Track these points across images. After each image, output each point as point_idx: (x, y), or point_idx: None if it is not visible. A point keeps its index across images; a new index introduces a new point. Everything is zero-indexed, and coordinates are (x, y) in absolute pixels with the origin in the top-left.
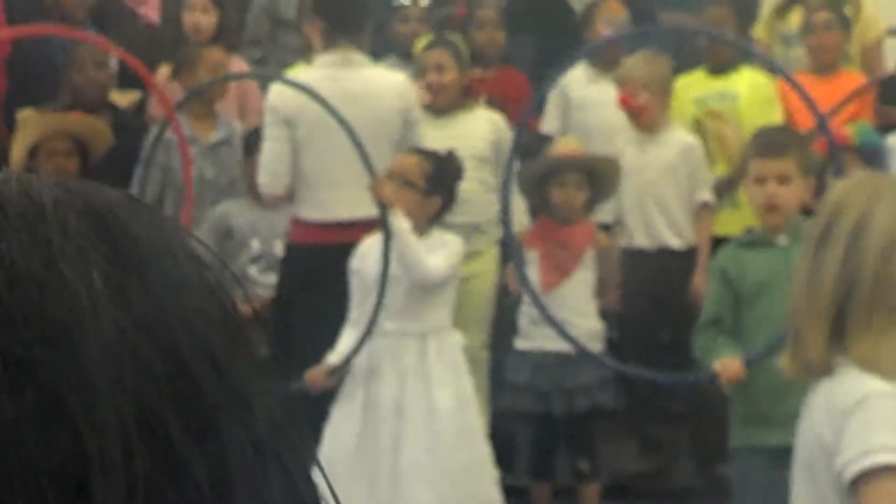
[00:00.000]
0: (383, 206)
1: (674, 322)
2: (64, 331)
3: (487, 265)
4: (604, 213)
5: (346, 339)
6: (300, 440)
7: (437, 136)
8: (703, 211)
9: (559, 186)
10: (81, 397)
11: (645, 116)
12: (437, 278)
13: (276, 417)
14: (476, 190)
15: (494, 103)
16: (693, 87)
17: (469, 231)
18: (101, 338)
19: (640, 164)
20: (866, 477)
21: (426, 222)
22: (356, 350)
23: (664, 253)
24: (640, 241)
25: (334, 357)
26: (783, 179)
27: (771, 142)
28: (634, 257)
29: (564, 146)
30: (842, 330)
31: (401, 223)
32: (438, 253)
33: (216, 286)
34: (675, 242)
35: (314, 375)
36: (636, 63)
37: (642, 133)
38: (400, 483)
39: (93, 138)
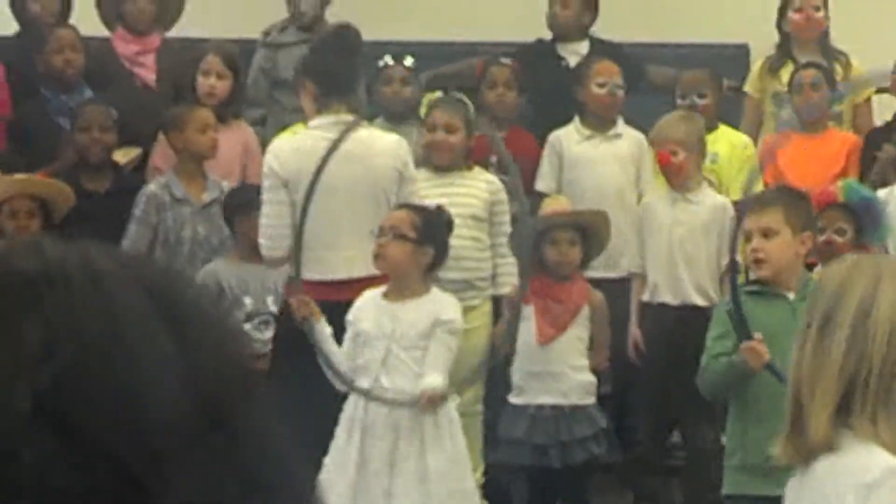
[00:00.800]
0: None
1: (687, 377)
2: (137, 410)
3: (481, 320)
4: (621, 268)
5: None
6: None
7: (436, 193)
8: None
9: (552, 244)
10: (154, 476)
11: (681, 175)
12: (443, 391)
13: (299, 467)
14: (471, 247)
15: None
16: None
17: (463, 287)
18: (172, 419)
19: (672, 221)
20: None
21: (421, 275)
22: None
23: (687, 308)
24: (664, 296)
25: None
26: (766, 233)
27: (755, 198)
28: (656, 311)
29: (554, 204)
30: (847, 412)
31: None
32: (438, 348)
33: (247, 346)
34: (699, 300)
35: (301, 298)
36: (673, 121)
37: (675, 192)
38: None
39: (55, 198)
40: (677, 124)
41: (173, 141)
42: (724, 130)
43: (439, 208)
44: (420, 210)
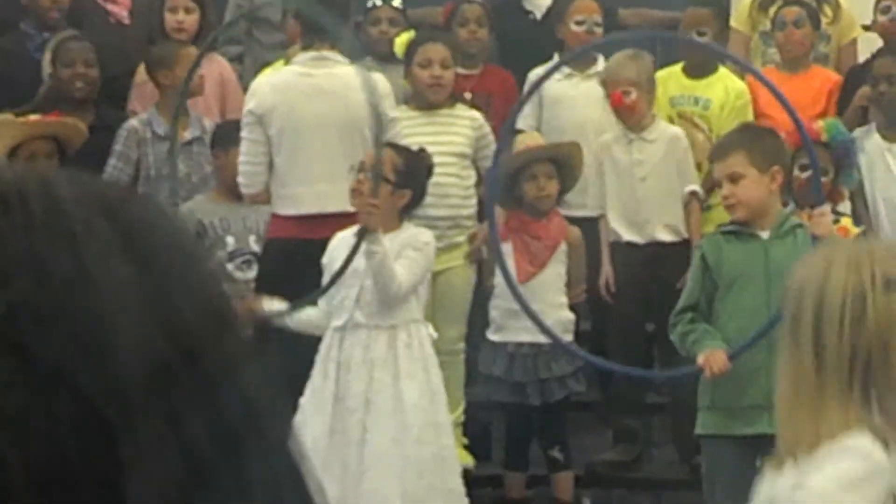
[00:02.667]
0: (363, 229)
1: (661, 315)
2: (97, 338)
3: (464, 259)
4: (589, 207)
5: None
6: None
7: (422, 130)
8: (691, 201)
9: (530, 179)
10: (117, 407)
11: (635, 114)
12: (402, 293)
13: (274, 407)
14: (455, 185)
15: (479, 100)
16: (670, 85)
17: (447, 225)
18: (132, 346)
19: (630, 161)
20: None
21: (397, 215)
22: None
23: (655, 246)
24: (631, 236)
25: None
26: (733, 178)
27: (716, 146)
28: (626, 250)
29: (528, 140)
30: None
31: (381, 247)
32: (404, 260)
33: (220, 280)
34: (666, 237)
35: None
36: (623, 61)
37: (630, 132)
38: (366, 473)
39: (70, 137)
40: (627, 64)
41: (161, 79)
42: (722, 75)
43: (422, 151)
44: (402, 151)
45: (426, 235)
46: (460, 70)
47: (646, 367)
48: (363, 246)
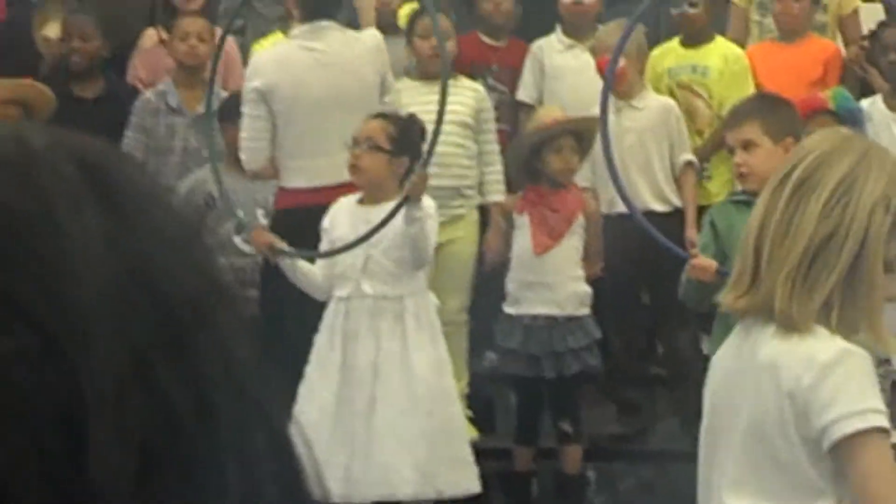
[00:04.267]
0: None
1: (654, 285)
2: (58, 274)
3: (468, 229)
4: (579, 177)
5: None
6: (279, 393)
7: (424, 100)
8: (686, 170)
9: (555, 152)
10: (76, 340)
11: (623, 83)
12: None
13: (259, 370)
14: (458, 154)
15: (503, 74)
16: (667, 57)
17: (450, 195)
18: (95, 282)
19: (619, 129)
20: (858, 437)
21: (396, 183)
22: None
23: (646, 215)
24: (622, 206)
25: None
26: (747, 145)
27: (732, 113)
28: (616, 222)
29: (552, 113)
30: (802, 281)
31: (422, 212)
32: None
33: (199, 236)
34: (657, 206)
35: (260, 234)
36: (611, 30)
37: (619, 100)
38: (376, 444)
39: (35, 102)
40: (616, 32)
41: (168, 49)
42: (718, 42)
43: (412, 115)
44: (394, 119)
45: (426, 201)
46: (487, 41)
47: (646, 338)
48: (404, 211)
